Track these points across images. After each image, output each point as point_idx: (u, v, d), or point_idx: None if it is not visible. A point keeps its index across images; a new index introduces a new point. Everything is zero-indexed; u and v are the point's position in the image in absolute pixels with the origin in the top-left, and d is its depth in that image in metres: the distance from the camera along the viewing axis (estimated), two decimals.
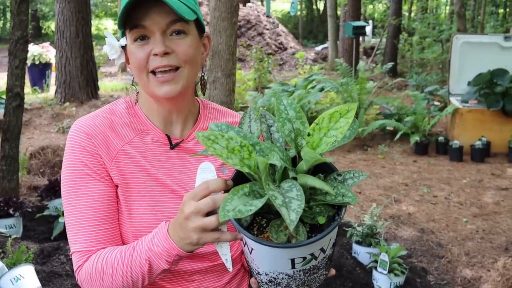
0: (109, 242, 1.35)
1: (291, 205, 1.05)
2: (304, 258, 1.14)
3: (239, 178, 1.22)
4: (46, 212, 4.78)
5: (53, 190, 5.10)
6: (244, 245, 1.20)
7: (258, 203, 1.07)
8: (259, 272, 1.21)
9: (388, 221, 4.95)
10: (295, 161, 1.21)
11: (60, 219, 4.54)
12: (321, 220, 1.18)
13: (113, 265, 1.27)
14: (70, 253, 1.37)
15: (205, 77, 1.52)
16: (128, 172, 1.37)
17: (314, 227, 1.20)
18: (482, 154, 7.66)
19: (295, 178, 1.15)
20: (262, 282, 1.23)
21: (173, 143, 1.44)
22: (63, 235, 4.42)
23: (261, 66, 12.97)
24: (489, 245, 4.83)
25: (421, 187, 6.51)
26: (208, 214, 1.17)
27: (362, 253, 4.28)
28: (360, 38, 16.43)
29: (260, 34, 20.67)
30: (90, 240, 1.33)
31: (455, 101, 8.36)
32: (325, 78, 10.34)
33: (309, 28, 31.54)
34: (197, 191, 1.17)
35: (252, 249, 1.17)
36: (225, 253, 1.24)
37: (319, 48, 22.41)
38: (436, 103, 9.53)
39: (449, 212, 5.69)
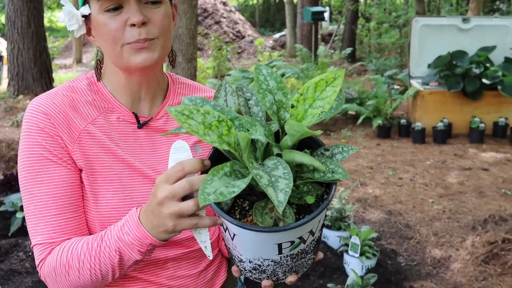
0: (74, 232, 1.22)
1: (278, 184, 0.95)
2: (292, 242, 1.04)
3: (217, 157, 1.11)
4: (2, 208, 4.57)
5: (9, 185, 4.91)
6: (225, 231, 1.09)
7: (242, 184, 0.95)
8: (241, 260, 1.11)
9: (355, 205, 4.91)
10: (277, 136, 1.10)
11: (18, 215, 4.34)
12: (310, 200, 1.08)
13: (79, 258, 1.15)
14: (31, 246, 1.23)
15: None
16: (92, 154, 1.24)
17: (301, 207, 1.10)
18: (444, 135, 7.71)
19: (279, 155, 1.05)
20: (245, 270, 1.12)
21: (141, 122, 1.32)
22: (21, 231, 4.24)
23: (219, 54, 12.86)
24: (457, 224, 4.84)
25: (386, 170, 6.51)
26: (184, 198, 1.05)
27: (332, 237, 4.22)
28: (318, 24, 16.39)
29: (217, 22, 20.48)
30: (53, 231, 1.20)
31: (416, 84, 8.39)
32: (285, 64, 10.29)
33: (266, 16, 31.43)
34: (171, 173, 1.05)
35: (234, 235, 1.06)
36: (204, 240, 1.13)
37: (276, 35, 22.35)
38: (396, 86, 9.58)
39: (415, 193, 5.70)
